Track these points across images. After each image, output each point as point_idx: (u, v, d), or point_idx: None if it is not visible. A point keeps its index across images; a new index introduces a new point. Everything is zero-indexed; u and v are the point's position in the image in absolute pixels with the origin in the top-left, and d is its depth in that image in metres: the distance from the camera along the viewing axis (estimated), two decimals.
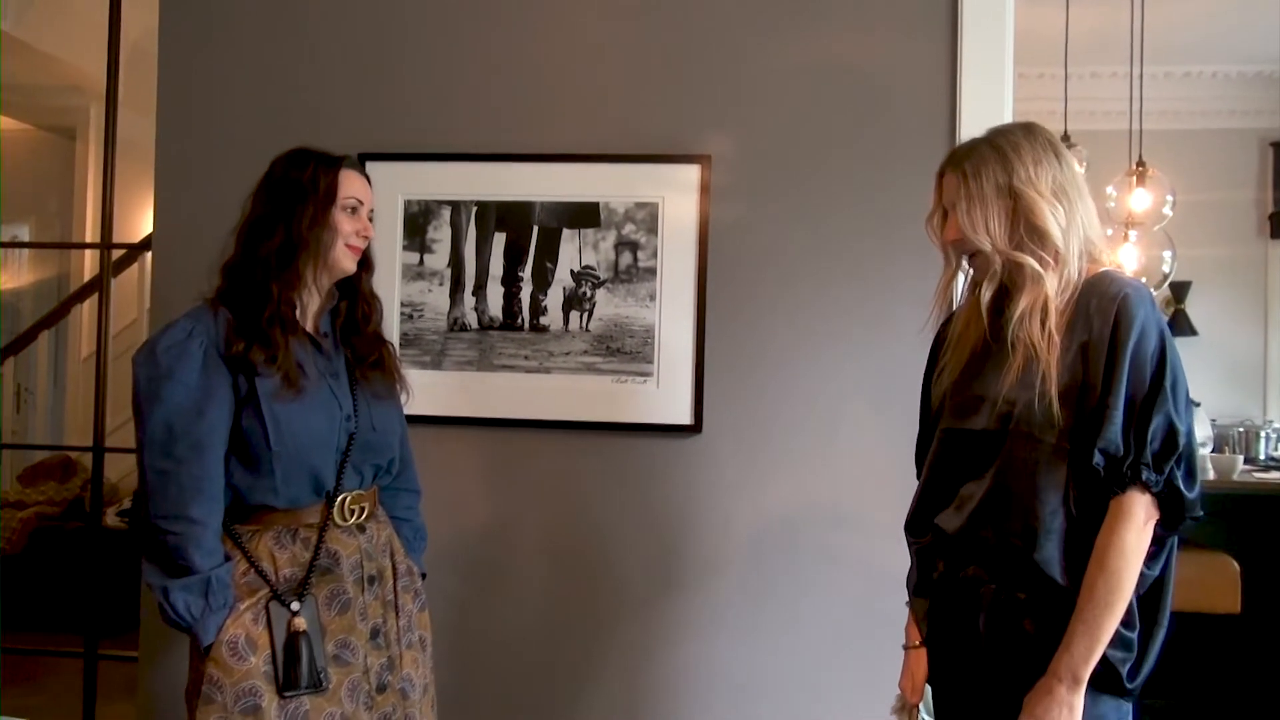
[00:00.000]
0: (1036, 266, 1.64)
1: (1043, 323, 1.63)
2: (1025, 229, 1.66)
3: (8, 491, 5.94)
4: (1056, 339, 1.62)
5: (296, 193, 1.90)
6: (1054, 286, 1.64)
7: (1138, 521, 1.56)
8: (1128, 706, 1.66)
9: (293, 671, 1.80)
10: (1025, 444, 1.62)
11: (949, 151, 1.80)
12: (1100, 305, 1.61)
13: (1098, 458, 1.56)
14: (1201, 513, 1.59)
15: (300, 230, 1.88)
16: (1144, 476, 1.55)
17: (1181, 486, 1.56)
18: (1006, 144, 1.69)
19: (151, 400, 1.80)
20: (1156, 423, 1.56)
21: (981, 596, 1.67)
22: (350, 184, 1.94)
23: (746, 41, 2.59)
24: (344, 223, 1.92)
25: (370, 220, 1.99)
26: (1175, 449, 1.56)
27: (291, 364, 1.85)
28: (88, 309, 6.16)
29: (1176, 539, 1.65)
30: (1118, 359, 1.57)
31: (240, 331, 1.84)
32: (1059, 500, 1.61)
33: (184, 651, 1.94)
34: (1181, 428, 1.57)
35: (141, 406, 1.81)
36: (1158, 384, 1.57)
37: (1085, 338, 1.61)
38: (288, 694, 1.79)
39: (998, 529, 1.64)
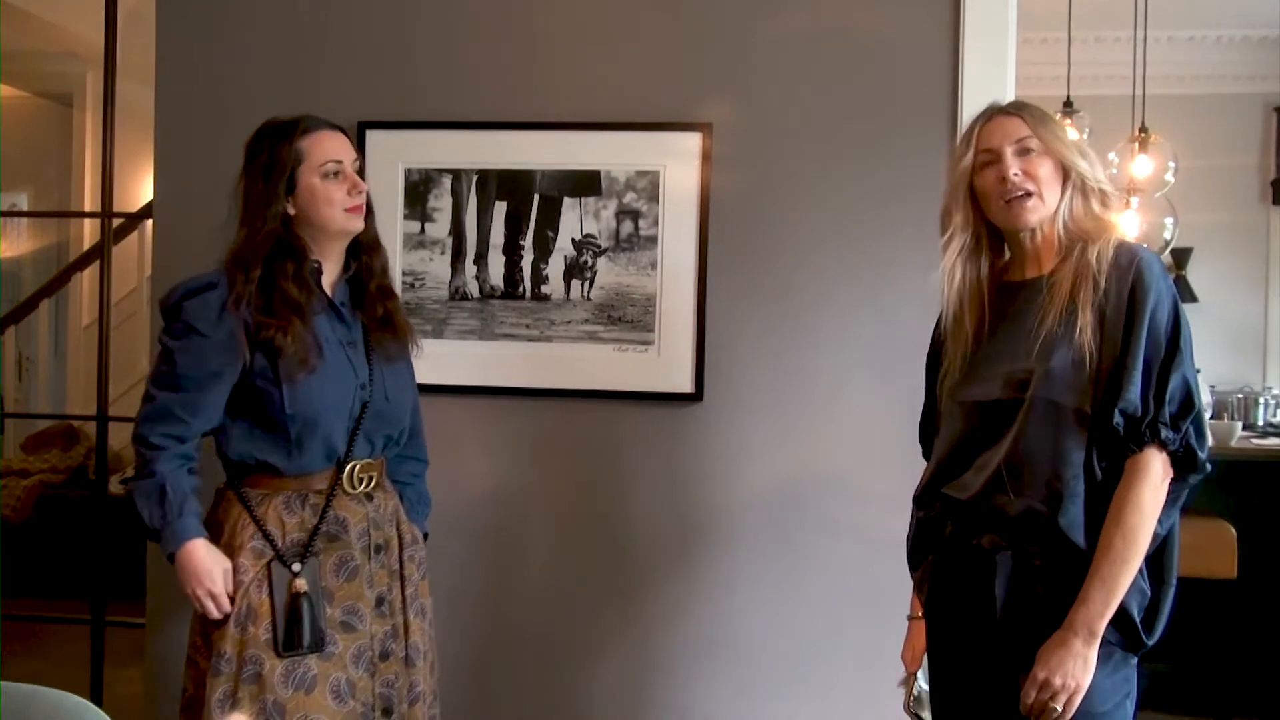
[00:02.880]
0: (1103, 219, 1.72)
1: (1077, 279, 1.67)
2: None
3: (11, 460, 5.97)
4: (1076, 303, 1.65)
5: (271, 176, 1.89)
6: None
7: (1155, 479, 1.61)
8: (1134, 668, 1.69)
9: (295, 632, 1.83)
10: (1045, 410, 1.65)
11: (989, 104, 1.80)
12: (1116, 273, 1.65)
13: (1117, 418, 1.61)
14: (1210, 467, 1.65)
15: (283, 210, 1.88)
16: (1162, 435, 1.60)
17: (1194, 444, 1.62)
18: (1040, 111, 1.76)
19: (168, 336, 1.89)
20: (1174, 384, 1.61)
21: (997, 564, 1.68)
22: (321, 148, 1.91)
23: (748, 8, 2.56)
24: (332, 190, 1.90)
25: (359, 172, 1.95)
26: (1192, 409, 1.62)
27: (304, 343, 1.86)
28: (88, 277, 6.15)
29: (1183, 501, 1.69)
30: (1136, 324, 1.61)
31: (260, 310, 1.86)
32: (1081, 464, 1.64)
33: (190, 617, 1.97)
34: (1195, 388, 1.63)
35: (161, 339, 1.90)
36: (1174, 347, 1.62)
37: (1102, 303, 1.64)
38: (287, 654, 1.82)
39: (1018, 495, 1.66)
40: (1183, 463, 1.63)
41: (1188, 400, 1.61)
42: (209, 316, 1.85)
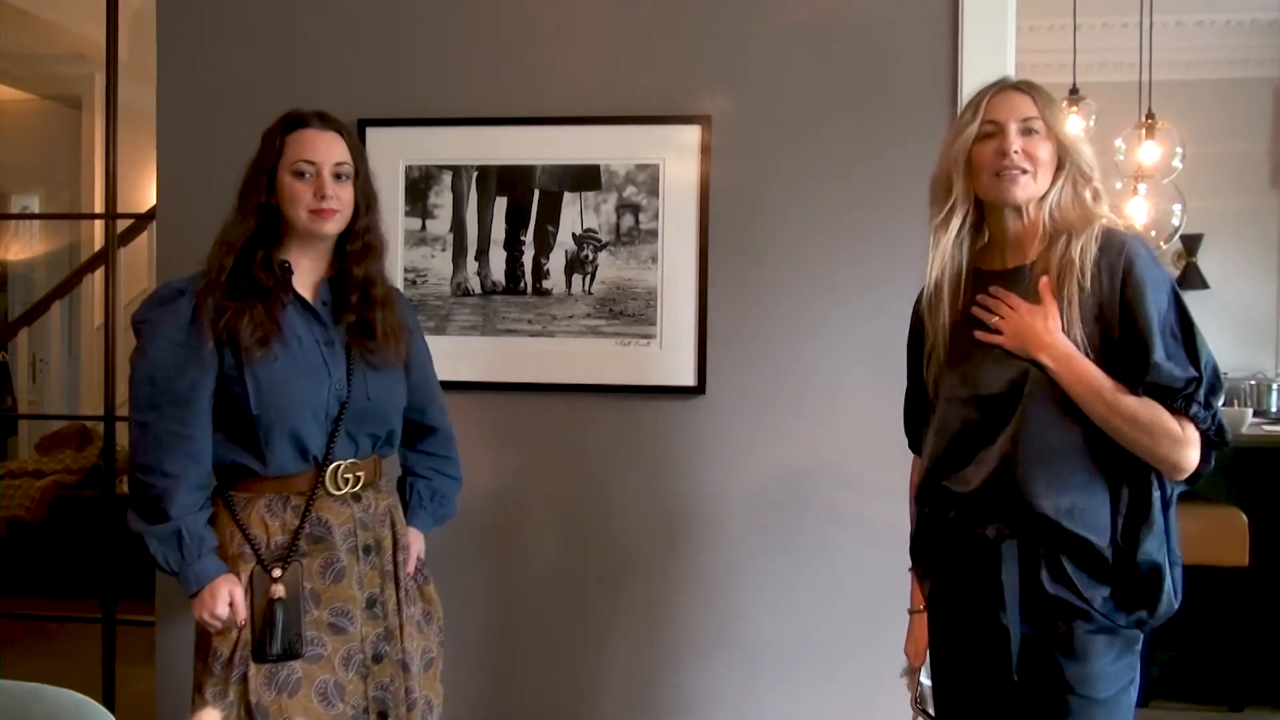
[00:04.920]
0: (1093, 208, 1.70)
1: (1062, 274, 1.66)
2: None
3: (26, 461, 6.02)
4: (1073, 293, 1.64)
5: (259, 168, 1.91)
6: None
7: (1185, 440, 1.59)
8: (1137, 655, 1.68)
9: (267, 638, 1.81)
10: (1043, 402, 1.64)
11: (1001, 78, 1.78)
12: (1104, 262, 1.64)
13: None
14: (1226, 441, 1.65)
15: (260, 200, 1.89)
16: (1192, 411, 1.58)
17: (1224, 425, 1.61)
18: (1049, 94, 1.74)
19: (139, 353, 1.86)
20: (1205, 358, 1.60)
21: (1003, 553, 1.66)
22: (297, 147, 1.89)
23: (746, 0, 2.56)
24: (299, 190, 1.88)
25: (341, 176, 1.91)
26: (1221, 388, 1.61)
27: (262, 325, 1.84)
28: (99, 278, 6.17)
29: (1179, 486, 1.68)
30: (1139, 310, 1.60)
31: (225, 294, 1.86)
32: (1082, 455, 1.63)
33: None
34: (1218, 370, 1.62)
35: (132, 359, 1.87)
36: (1189, 328, 1.61)
37: (1089, 297, 1.63)
38: (260, 661, 1.81)
39: (1020, 488, 1.65)
40: (1211, 444, 1.61)
41: (1216, 379, 1.61)
42: (179, 322, 1.84)
